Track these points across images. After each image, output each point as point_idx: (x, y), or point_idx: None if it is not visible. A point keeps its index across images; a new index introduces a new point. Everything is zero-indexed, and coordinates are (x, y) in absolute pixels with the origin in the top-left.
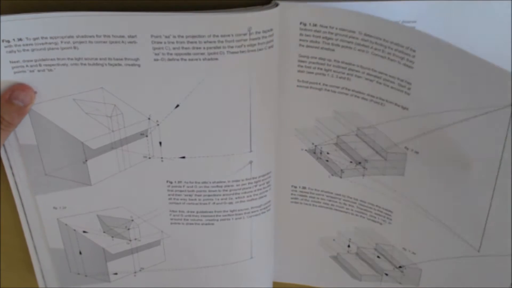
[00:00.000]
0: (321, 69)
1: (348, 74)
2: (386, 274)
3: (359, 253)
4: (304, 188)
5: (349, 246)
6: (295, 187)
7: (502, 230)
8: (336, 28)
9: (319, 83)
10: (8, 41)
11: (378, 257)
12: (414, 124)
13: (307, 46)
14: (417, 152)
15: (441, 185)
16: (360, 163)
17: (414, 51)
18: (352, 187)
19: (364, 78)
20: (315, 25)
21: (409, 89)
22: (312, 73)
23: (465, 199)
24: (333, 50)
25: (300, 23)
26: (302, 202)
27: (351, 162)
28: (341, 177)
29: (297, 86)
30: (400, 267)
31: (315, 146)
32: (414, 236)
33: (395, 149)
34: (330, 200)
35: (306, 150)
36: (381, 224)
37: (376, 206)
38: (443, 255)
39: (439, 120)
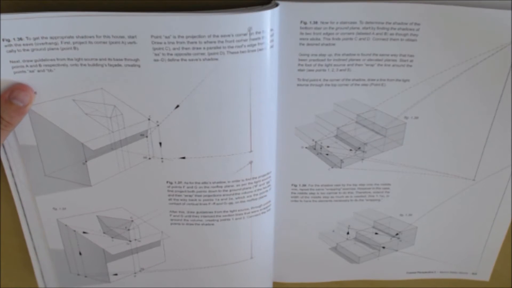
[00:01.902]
0: (321, 65)
1: (348, 65)
2: (383, 247)
3: (357, 236)
4: (304, 185)
5: (348, 233)
6: (295, 185)
7: (499, 151)
8: (337, 22)
9: (320, 79)
10: (9, 40)
11: (376, 233)
12: (414, 93)
13: (308, 44)
14: (416, 118)
15: (439, 137)
16: (359, 148)
17: (418, 24)
18: (352, 174)
19: (364, 65)
20: (315, 22)
21: (411, 61)
22: (313, 70)
23: (462, 141)
24: (333, 44)
25: (301, 22)
26: (302, 200)
27: (350, 150)
28: (341, 168)
29: (297, 85)
30: (397, 234)
31: (315, 142)
32: (411, 199)
33: (395, 123)
34: (329, 193)
35: (306, 147)
36: (379, 200)
37: (375, 184)
38: (438, 202)
39: (441, 79)
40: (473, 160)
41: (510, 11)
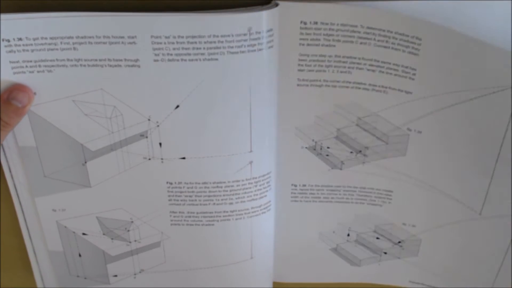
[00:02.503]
0: (321, 66)
1: (349, 67)
2: (385, 253)
3: (358, 239)
4: (304, 185)
5: (348, 235)
6: (295, 185)
7: (505, 193)
8: (337, 24)
9: (320, 80)
10: (8, 40)
11: (377, 238)
12: (417, 106)
13: (308, 45)
14: (420, 132)
15: (444, 159)
16: (360, 151)
17: (420, 39)
18: (352, 176)
19: (365, 69)
20: (315, 23)
21: (414, 74)
22: (313, 70)
23: (468, 169)
24: (334, 46)
25: (301, 22)
26: (302, 200)
27: (351, 152)
28: (341, 169)
29: (297, 85)
30: (399, 242)
31: (315, 142)
32: (414, 210)
33: (397, 132)
34: (330, 194)
35: (306, 147)
36: (381, 205)
37: (376, 189)
38: (443, 222)
39: (444, 101)
40: (479, 192)
41: (510, 53)
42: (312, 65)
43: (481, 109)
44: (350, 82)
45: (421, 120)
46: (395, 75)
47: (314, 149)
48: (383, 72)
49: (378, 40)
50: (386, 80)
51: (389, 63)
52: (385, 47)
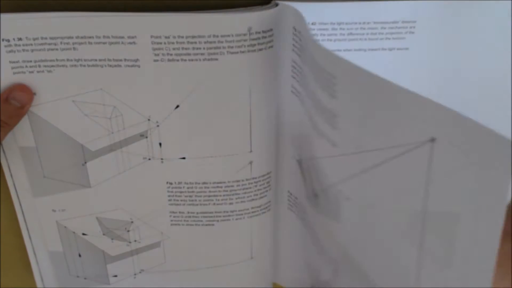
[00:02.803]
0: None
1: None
2: None
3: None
4: (296, 198)
5: None
6: (291, 193)
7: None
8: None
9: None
10: (8, 40)
11: None
12: (342, 165)
13: (297, 54)
14: (348, 199)
15: (371, 234)
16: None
17: (335, 78)
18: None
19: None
20: (299, 32)
21: (336, 122)
22: (299, 82)
23: (395, 258)
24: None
25: (293, 27)
26: (296, 211)
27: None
28: (317, 199)
29: (291, 91)
30: None
31: (301, 158)
32: None
33: (331, 191)
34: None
35: (296, 159)
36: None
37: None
38: None
39: (366, 160)
40: (408, 271)
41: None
42: (299, 75)
43: (399, 173)
44: None
45: (348, 184)
46: (324, 120)
47: (300, 165)
48: (318, 111)
49: (314, 73)
50: (321, 124)
51: (321, 102)
52: (316, 81)
